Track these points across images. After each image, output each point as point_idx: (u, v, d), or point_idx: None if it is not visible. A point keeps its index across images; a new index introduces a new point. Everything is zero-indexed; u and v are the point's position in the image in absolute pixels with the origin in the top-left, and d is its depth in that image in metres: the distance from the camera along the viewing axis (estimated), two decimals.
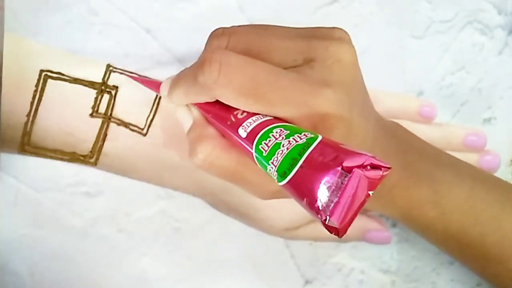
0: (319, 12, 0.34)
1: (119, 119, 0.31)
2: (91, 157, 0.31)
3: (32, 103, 0.29)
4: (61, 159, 0.31)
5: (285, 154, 0.22)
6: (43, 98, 0.29)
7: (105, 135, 0.31)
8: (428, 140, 0.33)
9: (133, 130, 0.31)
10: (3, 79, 0.29)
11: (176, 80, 0.26)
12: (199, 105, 0.26)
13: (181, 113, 0.26)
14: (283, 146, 0.23)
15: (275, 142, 0.23)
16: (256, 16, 0.33)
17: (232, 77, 0.23)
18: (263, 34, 0.25)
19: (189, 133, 0.26)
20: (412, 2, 0.36)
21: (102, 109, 0.31)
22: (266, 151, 0.23)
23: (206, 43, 0.26)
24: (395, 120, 0.32)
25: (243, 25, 0.27)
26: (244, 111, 0.25)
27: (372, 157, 0.21)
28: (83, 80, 0.30)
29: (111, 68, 0.31)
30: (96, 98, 0.30)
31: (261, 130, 0.24)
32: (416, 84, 0.37)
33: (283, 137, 0.23)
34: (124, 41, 0.31)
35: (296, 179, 0.22)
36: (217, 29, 0.26)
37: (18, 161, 0.30)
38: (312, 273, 0.36)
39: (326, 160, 0.21)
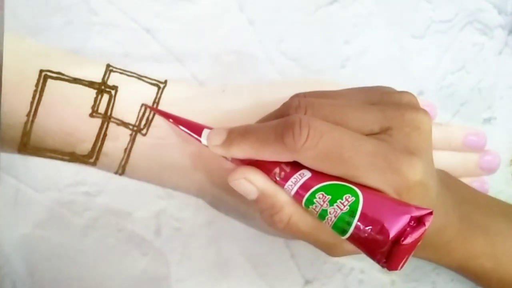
0: (319, 12, 0.34)
1: (118, 119, 0.31)
2: (90, 157, 0.31)
3: (32, 103, 0.29)
4: (61, 159, 0.31)
5: (333, 222, 0.24)
6: (43, 98, 0.29)
7: (105, 135, 0.31)
8: None
9: (133, 130, 0.31)
10: (3, 79, 0.29)
11: (244, 133, 0.26)
12: (241, 161, 0.27)
13: (243, 183, 0.27)
14: (330, 214, 0.25)
15: (321, 208, 0.25)
16: (256, 16, 0.33)
17: (319, 141, 0.24)
18: (338, 106, 0.26)
19: (260, 203, 0.27)
20: (412, 2, 0.36)
21: (102, 109, 0.31)
22: (316, 213, 0.25)
23: (282, 111, 0.27)
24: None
25: (317, 94, 0.28)
26: (282, 171, 0.26)
27: (416, 208, 0.24)
28: (83, 80, 0.30)
29: (111, 68, 0.31)
30: (95, 98, 0.30)
31: (305, 194, 0.25)
32: (416, 84, 0.37)
33: (327, 204, 0.25)
34: (124, 41, 0.31)
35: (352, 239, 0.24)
36: (293, 98, 0.27)
37: (18, 161, 0.30)
38: (312, 273, 0.36)
39: (372, 235, 0.24)
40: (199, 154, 0.32)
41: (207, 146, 0.28)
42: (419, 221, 0.24)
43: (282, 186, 0.26)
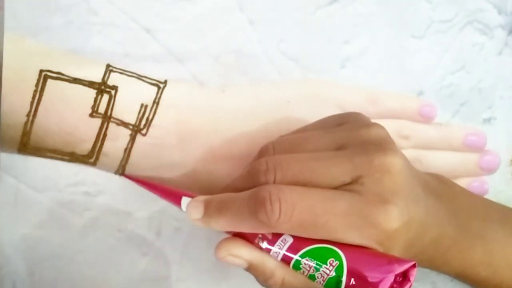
0: (319, 12, 0.34)
1: (118, 119, 0.31)
2: (90, 157, 0.31)
3: (32, 103, 0.29)
4: (61, 159, 0.31)
5: (323, 285, 0.25)
6: (43, 98, 0.29)
7: (105, 135, 0.31)
8: (428, 140, 0.33)
9: (133, 130, 0.31)
10: (3, 79, 0.29)
11: (220, 209, 0.27)
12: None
13: (230, 259, 0.27)
14: (318, 278, 0.25)
15: (308, 273, 0.26)
16: (256, 16, 0.33)
17: (293, 214, 0.24)
18: (306, 162, 0.26)
19: (252, 271, 0.27)
20: (412, 2, 0.36)
21: (101, 109, 0.31)
22: (305, 276, 0.26)
23: (252, 176, 0.27)
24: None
25: (283, 145, 0.28)
26: (265, 238, 0.26)
27: (399, 263, 0.24)
28: (83, 80, 0.30)
29: (110, 68, 0.31)
30: (95, 98, 0.30)
31: (290, 260, 0.26)
32: (416, 84, 0.37)
33: (313, 269, 0.25)
34: (124, 41, 0.31)
35: None
36: (260, 162, 0.27)
37: (18, 161, 0.30)
38: None
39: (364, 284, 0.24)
40: (199, 154, 0.32)
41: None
42: (404, 276, 0.25)
43: (267, 252, 0.26)
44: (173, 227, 0.33)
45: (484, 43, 0.38)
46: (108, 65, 0.31)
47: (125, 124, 0.31)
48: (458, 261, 0.30)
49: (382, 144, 0.27)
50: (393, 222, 0.25)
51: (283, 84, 0.34)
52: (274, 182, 0.26)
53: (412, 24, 0.37)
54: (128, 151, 0.31)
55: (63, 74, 0.30)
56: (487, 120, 0.38)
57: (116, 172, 0.32)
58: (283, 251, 0.26)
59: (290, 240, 0.26)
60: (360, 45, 0.36)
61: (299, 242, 0.26)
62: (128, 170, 0.32)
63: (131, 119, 0.31)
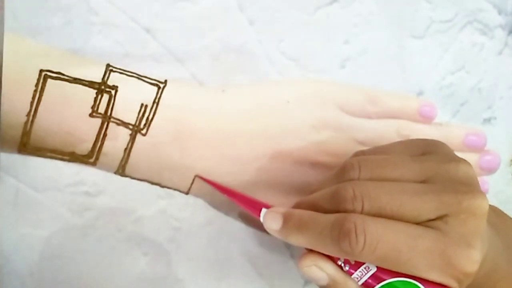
0: (319, 12, 0.34)
1: (118, 119, 0.31)
2: (90, 157, 0.31)
3: (32, 103, 0.29)
4: (61, 159, 0.31)
5: None
6: (43, 98, 0.29)
7: (105, 135, 0.31)
8: None
9: (133, 130, 0.31)
10: (3, 79, 0.29)
11: (300, 226, 0.27)
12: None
13: (314, 271, 0.27)
14: None
15: None
16: (256, 16, 0.33)
17: (376, 248, 0.25)
18: (395, 194, 0.26)
19: None
20: (412, 2, 0.36)
21: (101, 109, 0.31)
22: None
23: (338, 200, 0.27)
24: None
25: (366, 165, 0.28)
26: (347, 262, 0.27)
27: None
28: (83, 80, 0.30)
29: (110, 68, 0.31)
30: (95, 98, 0.30)
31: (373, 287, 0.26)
32: (416, 84, 0.37)
33: None
34: (124, 41, 0.31)
35: None
36: (346, 188, 0.27)
37: (18, 161, 0.30)
38: None
39: None
40: (199, 154, 0.32)
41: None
42: None
43: (349, 275, 0.27)
44: (173, 227, 0.33)
45: (484, 43, 0.38)
46: (108, 65, 0.31)
47: (125, 124, 0.31)
48: None
49: (471, 185, 0.27)
50: (474, 265, 0.25)
51: (283, 84, 0.34)
52: (361, 212, 0.26)
53: (412, 24, 0.37)
54: (128, 151, 0.31)
55: (63, 74, 0.30)
56: (487, 120, 0.38)
57: (116, 172, 0.32)
58: (364, 278, 0.26)
59: (373, 269, 0.26)
60: (360, 45, 0.36)
61: (382, 272, 0.26)
62: (128, 170, 0.32)
63: (131, 119, 0.31)
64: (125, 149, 0.31)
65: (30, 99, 0.29)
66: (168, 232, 0.33)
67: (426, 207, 0.26)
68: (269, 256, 0.35)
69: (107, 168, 0.31)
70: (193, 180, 0.32)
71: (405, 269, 0.25)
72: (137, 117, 0.31)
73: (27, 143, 0.30)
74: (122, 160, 0.31)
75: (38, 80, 0.29)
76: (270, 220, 0.28)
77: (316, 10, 0.34)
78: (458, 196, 0.26)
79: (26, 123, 0.30)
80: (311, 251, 0.27)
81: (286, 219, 0.28)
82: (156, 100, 0.31)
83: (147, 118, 0.31)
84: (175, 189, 0.33)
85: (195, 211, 0.33)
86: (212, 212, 0.34)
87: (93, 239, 0.32)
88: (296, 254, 0.35)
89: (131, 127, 0.31)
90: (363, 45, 0.35)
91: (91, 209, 0.32)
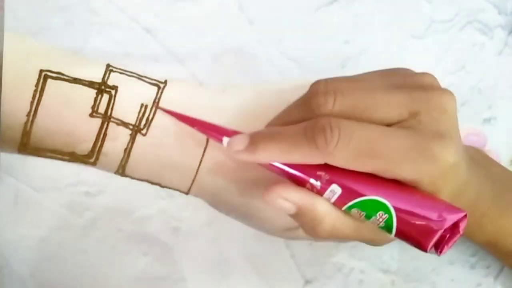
0: (319, 12, 0.34)
1: (118, 119, 0.31)
2: (90, 157, 0.31)
3: (32, 103, 0.29)
4: (61, 159, 0.31)
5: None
6: (43, 98, 0.29)
7: (105, 135, 0.31)
8: None
9: (133, 130, 0.31)
10: (3, 79, 0.29)
11: (271, 137, 0.26)
12: (273, 167, 0.27)
13: (279, 202, 0.27)
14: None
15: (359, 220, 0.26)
16: (256, 16, 0.33)
17: (350, 141, 0.24)
18: (366, 90, 0.26)
19: (300, 218, 0.27)
20: (412, 2, 0.36)
21: (101, 109, 0.31)
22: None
23: (311, 99, 0.27)
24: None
25: (340, 79, 0.27)
26: (313, 187, 0.26)
27: (449, 212, 0.25)
28: (83, 80, 0.30)
29: (110, 68, 0.31)
30: (95, 98, 0.30)
31: (341, 208, 0.26)
32: None
33: (363, 218, 0.25)
34: (124, 41, 0.31)
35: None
36: (318, 83, 0.27)
37: (18, 161, 0.30)
38: (312, 273, 0.36)
39: (412, 243, 0.25)
40: (199, 154, 0.32)
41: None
42: (454, 225, 0.25)
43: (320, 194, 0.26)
44: (173, 227, 0.33)
45: (484, 43, 0.38)
46: (108, 65, 0.31)
47: (125, 124, 0.31)
48: (492, 228, 0.31)
49: (437, 86, 0.27)
50: (449, 155, 0.25)
51: (283, 84, 0.34)
52: (333, 105, 0.26)
53: (412, 24, 0.37)
54: (128, 151, 0.31)
55: (63, 74, 0.30)
56: (487, 120, 0.38)
57: (116, 172, 0.32)
58: (332, 201, 0.26)
59: (338, 191, 0.26)
60: (360, 45, 0.36)
61: (348, 193, 0.25)
62: (128, 170, 0.32)
63: (131, 119, 0.31)
64: (125, 149, 0.31)
65: (30, 99, 0.29)
66: (168, 232, 0.33)
67: (397, 101, 0.26)
68: (269, 256, 0.35)
69: (107, 168, 0.31)
70: (193, 180, 0.32)
71: (377, 164, 0.25)
72: (137, 117, 0.31)
73: (27, 143, 0.30)
74: (122, 160, 0.31)
75: (38, 80, 0.29)
76: (236, 141, 0.27)
77: (316, 10, 0.34)
78: (428, 93, 0.26)
79: (26, 123, 0.30)
80: (275, 183, 0.27)
81: (253, 135, 0.27)
82: (156, 100, 0.31)
83: (147, 118, 0.31)
84: (175, 189, 0.33)
85: (195, 211, 0.33)
86: (212, 212, 0.34)
87: (93, 239, 0.32)
88: (296, 254, 0.35)
89: (131, 127, 0.31)
90: (363, 45, 0.35)
91: (91, 209, 0.32)
